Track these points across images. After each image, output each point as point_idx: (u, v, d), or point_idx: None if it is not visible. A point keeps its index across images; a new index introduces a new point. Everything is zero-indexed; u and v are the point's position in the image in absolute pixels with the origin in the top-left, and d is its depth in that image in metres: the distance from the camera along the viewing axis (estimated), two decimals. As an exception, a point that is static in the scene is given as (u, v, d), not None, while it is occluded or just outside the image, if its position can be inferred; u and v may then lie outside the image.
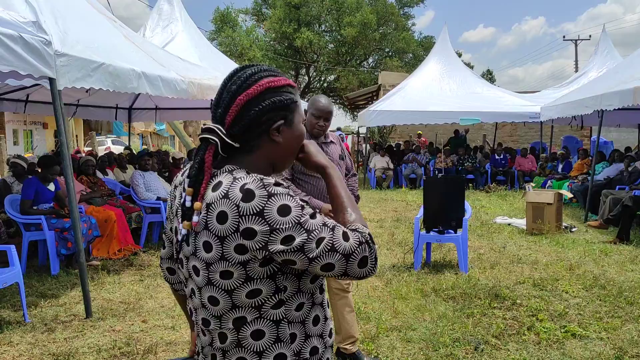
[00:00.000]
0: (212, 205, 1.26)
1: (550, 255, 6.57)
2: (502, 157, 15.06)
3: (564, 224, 8.26)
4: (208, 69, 8.60)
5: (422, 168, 14.93)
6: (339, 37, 29.29)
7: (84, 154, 12.46)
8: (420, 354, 3.71)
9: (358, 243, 1.27)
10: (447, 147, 16.12)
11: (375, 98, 20.31)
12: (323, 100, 3.42)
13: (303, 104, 3.87)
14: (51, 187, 6.21)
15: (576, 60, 35.68)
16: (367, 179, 15.66)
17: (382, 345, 3.87)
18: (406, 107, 14.29)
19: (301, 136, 1.42)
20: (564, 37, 37.50)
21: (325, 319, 1.43)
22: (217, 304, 1.31)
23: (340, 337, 3.61)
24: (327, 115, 3.41)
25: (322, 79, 32.87)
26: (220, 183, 1.28)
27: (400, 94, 15.09)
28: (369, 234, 1.32)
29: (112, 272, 5.93)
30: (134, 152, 11.91)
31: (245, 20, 31.88)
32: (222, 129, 1.32)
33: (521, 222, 8.58)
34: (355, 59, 30.78)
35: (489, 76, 42.66)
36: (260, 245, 1.23)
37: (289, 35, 28.10)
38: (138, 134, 27.22)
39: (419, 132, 19.22)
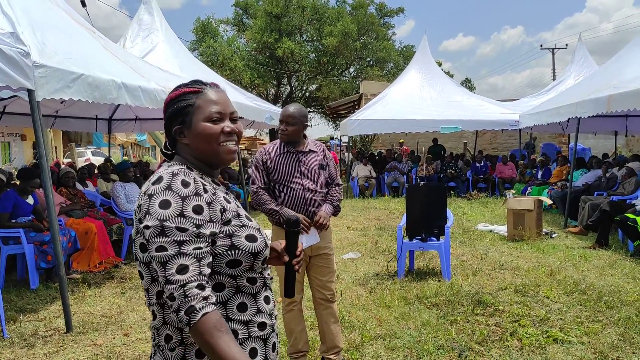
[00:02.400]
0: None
1: (531, 261, 6.64)
2: (482, 164, 15.22)
3: (544, 230, 8.37)
4: (189, 80, 8.56)
5: (404, 176, 15.02)
6: (320, 46, 29.40)
7: (64, 166, 12.29)
8: (405, 362, 3.72)
9: (181, 285, 1.31)
10: (429, 156, 16.25)
11: (357, 107, 20.41)
12: (289, 107, 3.42)
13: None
14: (30, 200, 6.12)
15: (553, 69, 36.37)
16: (350, 187, 15.70)
17: (366, 354, 3.87)
18: (388, 115, 14.38)
19: (203, 134, 1.50)
20: (541, 46, 38.11)
21: (258, 311, 1.49)
22: (142, 277, 1.46)
23: (325, 346, 3.61)
24: (287, 119, 3.37)
25: (304, 88, 32.93)
26: (157, 171, 1.49)
27: (381, 103, 15.19)
28: (192, 306, 1.29)
29: (93, 285, 5.85)
30: (114, 163, 11.78)
31: (227, 30, 31.87)
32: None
33: (502, 229, 8.66)
34: (336, 69, 30.91)
35: (468, 84, 43.18)
36: (138, 221, 1.39)
37: (271, 45, 28.12)
38: (119, 145, 26.97)
39: (401, 140, 19.34)
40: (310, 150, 3.49)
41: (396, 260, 6.08)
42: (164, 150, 1.59)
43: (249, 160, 15.48)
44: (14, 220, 5.88)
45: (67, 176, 7.53)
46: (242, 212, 1.52)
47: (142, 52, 9.62)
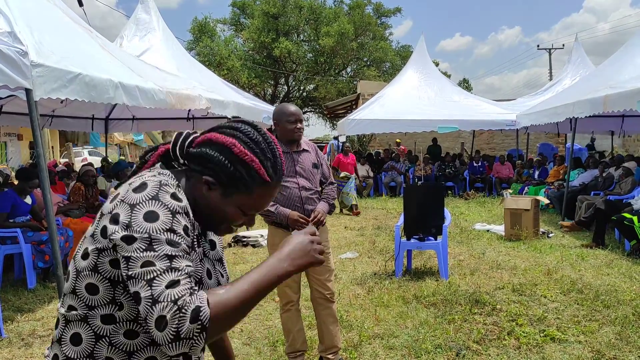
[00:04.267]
0: (120, 187, 1.29)
1: (528, 260, 6.66)
2: (480, 164, 15.25)
3: (541, 229, 8.39)
4: (186, 79, 8.57)
5: (402, 176, 15.04)
6: (317, 46, 29.44)
7: (61, 165, 12.27)
8: (403, 361, 3.73)
9: (172, 299, 1.10)
10: (427, 156, 16.27)
11: (354, 107, 20.42)
12: (290, 106, 3.45)
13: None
14: (28, 200, 6.11)
15: (550, 69, 36.37)
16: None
17: (364, 353, 3.88)
18: (385, 115, 14.39)
19: (230, 214, 1.33)
20: (538, 46, 38.16)
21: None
22: (67, 279, 1.31)
23: (323, 346, 3.62)
24: (301, 117, 3.44)
25: (301, 88, 32.97)
26: (141, 174, 1.29)
27: (379, 103, 15.21)
28: (197, 309, 1.10)
29: (91, 285, 5.84)
30: (111, 163, 11.76)
31: (224, 30, 31.91)
32: (188, 141, 1.33)
33: (499, 229, 8.68)
34: (333, 69, 30.95)
35: (465, 85, 43.23)
36: (112, 232, 1.18)
37: (268, 45, 28.15)
38: (115, 145, 26.90)
39: (398, 140, 19.36)
40: (304, 150, 3.51)
41: (394, 260, 6.10)
42: (173, 153, 1.35)
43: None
44: (11, 220, 5.87)
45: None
46: (196, 257, 1.33)
47: (139, 52, 9.61)
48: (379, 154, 18.11)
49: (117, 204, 1.21)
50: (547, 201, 10.72)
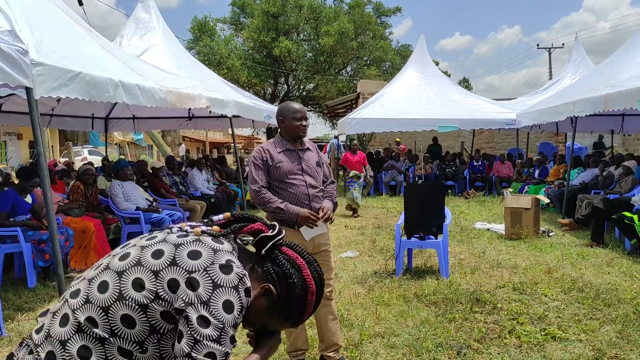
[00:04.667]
0: (198, 243, 1.35)
1: (529, 259, 6.66)
2: (480, 163, 15.24)
3: (541, 228, 8.39)
4: (186, 78, 8.56)
5: (402, 175, 15.04)
6: (317, 46, 29.43)
7: (61, 164, 12.26)
8: (404, 360, 3.73)
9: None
10: (427, 155, 16.28)
11: (354, 106, 20.41)
12: (295, 104, 3.47)
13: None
14: (28, 199, 6.10)
15: (550, 68, 36.39)
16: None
17: (365, 352, 3.87)
18: (385, 114, 14.38)
19: (253, 323, 1.45)
20: (537, 45, 38.17)
21: None
22: (96, 288, 1.33)
23: (324, 345, 3.61)
24: (306, 115, 3.46)
25: (301, 87, 32.96)
26: (221, 243, 1.36)
27: (379, 102, 15.20)
28: None
29: (91, 284, 5.83)
30: (111, 162, 11.75)
31: (224, 29, 31.88)
32: (273, 237, 1.43)
33: (500, 228, 8.68)
34: (333, 68, 30.94)
35: (465, 84, 43.23)
36: (185, 299, 1.24)
37: (268, 44, 28.13)
38: (115, 144, 26.91)
39: (398, 139, 19.35)
40: (307, 148, 3.53)
41: (394, 259, 6.09)
42: (264, 241, 1.46)
43: (246, 159, 15.46)
44: (11, 219, 5.86)
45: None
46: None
47: (139, 51, 9.61)
48: (379, 153, 18.11)
49: (196, 269, 1.27)
50: (547, 200, 10.72)
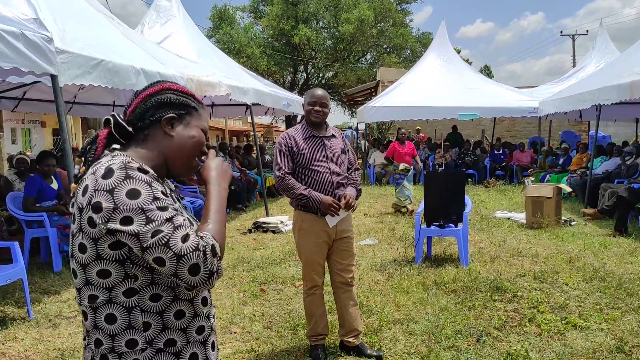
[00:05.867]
0: (83, 180, 1.36)
1: (550, 248, 6.60)
2: (500, 152, 15.09)
3: (563, 217, 8.30)
4: (206, 66, 8.60)
5: (422, 163, 14.96)
6: (336, 33, 29.24)
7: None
8: (423, 346, 3.74)
9: (194, 248, 1.27)
10: (447, 143, 16.16)
11: (373, 94, 20.31)
12: (317, 90, 3.50)
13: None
14: (54, 185, 6.22)
15: (574, 55, 35.70)
16: (367, 174, 15.68)
17: (385, 338, 3.90)
18: (405, 102, 14.30)
19: (195, 139, 1.49)
20: (561, 32, 37.48)
21: (195, 315, 1.45)
22: (75, 276, 1.41)
23: (344, 330, 3.65)
24: (320, 101, 3.44)
25: (321, 75, 32.83)
26: (98, 163, 1.37)
27: (398, 90, 15.11)
28: (212, 246, 1.30)
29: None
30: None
31: (243, 18, 31.85)
32: (119, 115, 1.47)
33: (520, 216, 8.61)
34: (353, 56, 30.75)
35: (486, 72, 42.66)
36: (103, 221, 1.28)
37: (287, 32, 28.05)
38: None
39: (418, 127, 19.22)
40: (333, 135, 3.54)
41: (414, 247, 6.09)
42: (115, 133, 1.45)
43: (266, 147, 15.51)
44: (38, 205, 5.99)
45: None
46: (185, 214, 1.46)
47: (160, 39, 9.66)
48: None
49: (92, 195, 1.30)
50: (569, 189, 10.59)
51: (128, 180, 1.29)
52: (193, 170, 1.54)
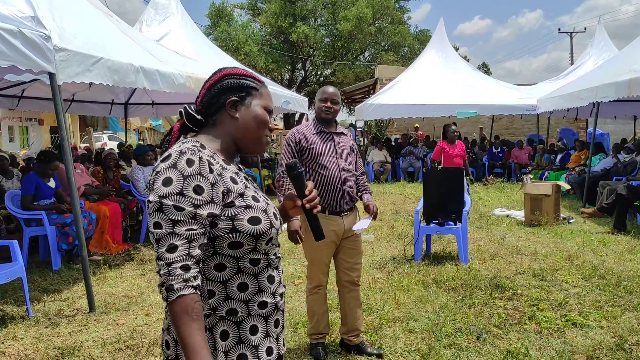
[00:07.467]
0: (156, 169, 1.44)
1: (549, 246, 6.61)
2: (499, 149, 15.10)
3: (562, 215, 8.31)
4: (205, 64, 8.58)
5: (420, 161, 14.97)
6: (334, 31, 29.23)
7: (81, 149, 12.43)
8: (423, 344, 3.74)
9: (167, 264, 1.32)
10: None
11: (372, 92, 20.29)
12: (329, 87, 3.52)
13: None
14: (51, 183, 6.20)
15: (572, 53, 35.75)
16: (365, 172, 15.67)
17: (385, 336, 3.90)
18: (403, 100, 14.29)
19: (259, 117, 1.57)
20: (559, 29, 37.49)
21: (259, 290, 1.52)
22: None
23: (345, 328, 3.64)
24: (331, 97, 3.45)
25: (319, 73, 32.80)
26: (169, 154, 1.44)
27: (397, 88, 15.09)
28: (171, 286, 1.31)
29: (114, 267, 5.94)
30: (129, 147, 11.87)
31: (241, 15, 31.80)
32: (190, 107, 1.57)
33: (519, 214, 8.62)
34: (351, 53, 30.72)
35: (484, 69, 42.62)
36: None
37: (285, 30, 28.01)
38: (134, 130, 27.10)
39: (416, 125, 19.21)
40: (342, 132, 3.56)
41: (413, 244, 6.09)
42: (187, 122, 1.56)
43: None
44: (36, 203, 5.97)
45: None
46: (250, 192, 1.50)
47: (159, 36, 9.63)
48: (397, 139, 18.02)
49: (152, 173, 1.44)
50: (568, 187, 10.61)
51: (170, 169, 1.37)
52: (264, 146, 1.63)
